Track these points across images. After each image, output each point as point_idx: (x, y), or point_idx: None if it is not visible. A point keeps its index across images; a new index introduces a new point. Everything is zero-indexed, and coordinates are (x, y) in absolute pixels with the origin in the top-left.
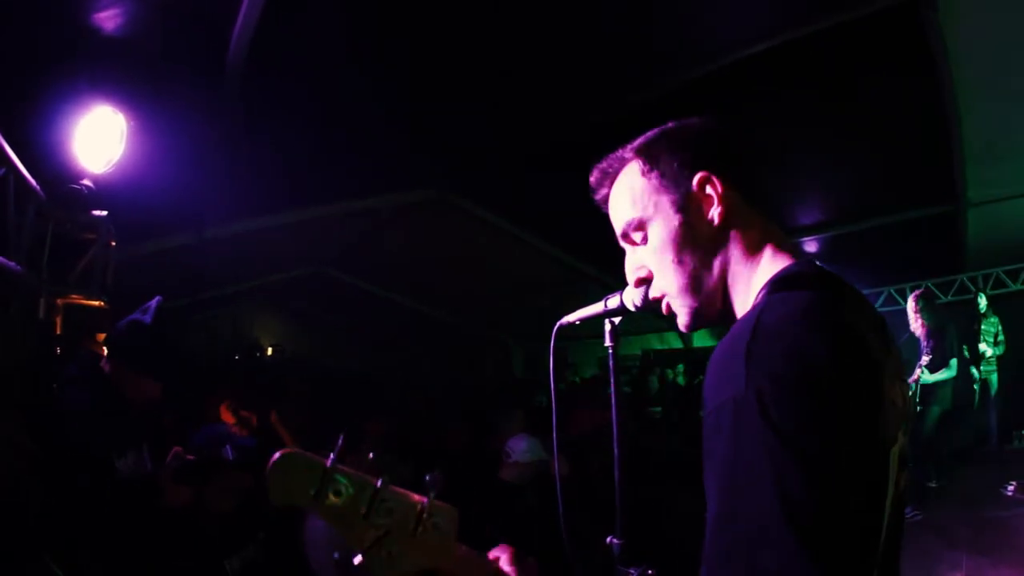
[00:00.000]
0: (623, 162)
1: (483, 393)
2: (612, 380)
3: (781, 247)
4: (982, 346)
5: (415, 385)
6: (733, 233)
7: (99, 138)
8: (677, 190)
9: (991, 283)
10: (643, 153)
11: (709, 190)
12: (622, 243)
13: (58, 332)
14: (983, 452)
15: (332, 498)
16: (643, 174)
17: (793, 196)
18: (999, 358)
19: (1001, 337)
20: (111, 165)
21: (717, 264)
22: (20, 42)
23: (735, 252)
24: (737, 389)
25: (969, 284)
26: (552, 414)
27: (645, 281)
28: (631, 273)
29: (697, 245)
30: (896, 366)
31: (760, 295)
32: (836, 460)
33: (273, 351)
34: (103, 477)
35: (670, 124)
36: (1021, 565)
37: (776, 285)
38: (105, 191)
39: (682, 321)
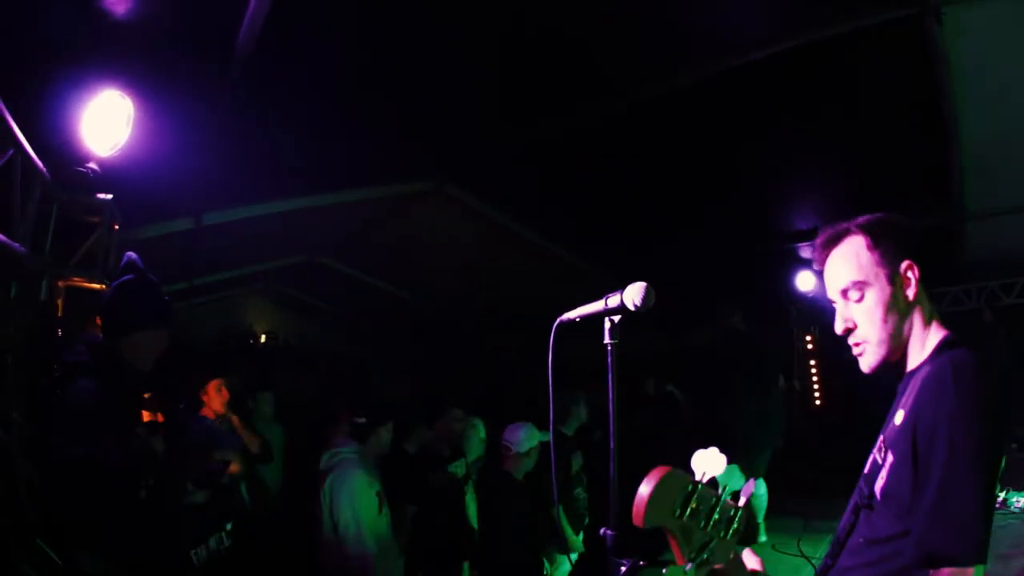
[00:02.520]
0: (848, 233)
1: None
2: (610, 377)
3: (940, 320)
4: None
5: (410, 374)
6: (918, 307)
7: (106, 122)
8: (891, 267)
9: (985, 296)
10: (869, 232)
11: (910, 274)
12: (837, 297)
13: (60, 315)
14: None
15: (688, 515)
16: (868, 248)
17: (790, 201)
18: None
19: None
20: (117, 149)
21: (906, 327)
22: (29, 24)
23: (918, 321)
24: (949, 403)
25: (964, 296)
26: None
27: (849, 330)
28: (840, 322)
29: (898, 312)
30: None
31: (934, 351)
32: (989, 437)
33: (267, 338)
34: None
35: (885, 215)
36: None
37: (947, 346)
38: (110, 175)
39: (870, 363)
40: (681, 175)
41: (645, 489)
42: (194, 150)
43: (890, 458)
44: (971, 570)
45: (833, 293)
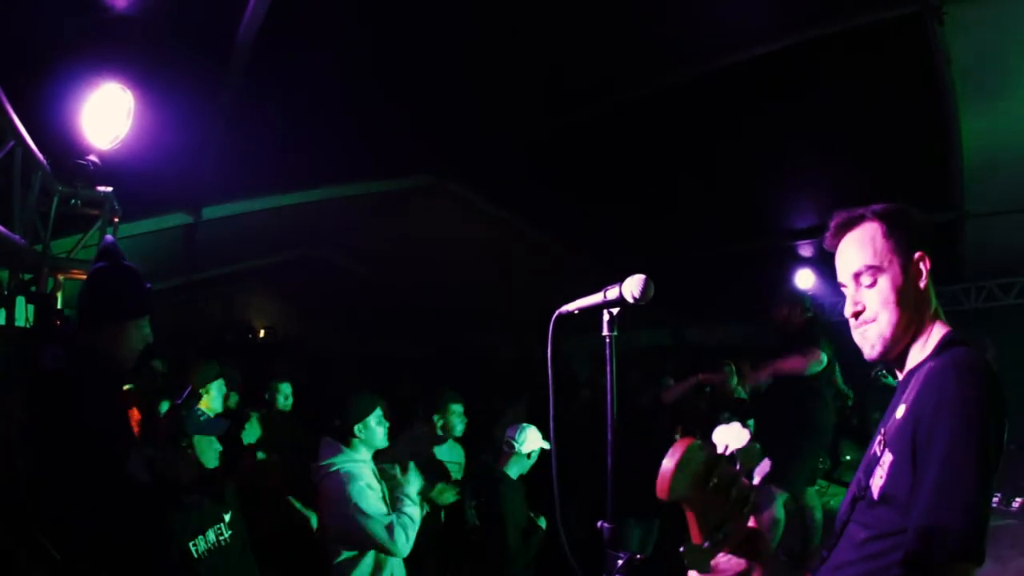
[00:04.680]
0: (863, 219)
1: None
2: (608, 368)
3: (943, 317)
4: None
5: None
6: (926, 300)
7: (106, 115)
8: (904, 256)
9: (983, 296)
10: (885, 220)
11: (922, 266)
12: (849, 280)
13: (59, 306)
14: None
15: (710, 489)
16: (884, 236)
17: (789, 199)
18: None
19: None
20: (117, 142)
21: (915, 318)
22: (31, 17)
23: (926, 314)
24: (949, 395)
25: (962, 296)
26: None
27: (858, 313)
28: (851, 305)
29: (908, 300)
30: None
31: (936, 347)
32: (988, 431)
33: (265, 333)
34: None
35: (900, 205)
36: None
37: (949, 344)
38: (110, 168)
39: (874, 351)
40: (680, 172)
41: (669, 463)
42: (194, 144)
43: (889, 457)
44: (969, 566)
45: (844, 276)
